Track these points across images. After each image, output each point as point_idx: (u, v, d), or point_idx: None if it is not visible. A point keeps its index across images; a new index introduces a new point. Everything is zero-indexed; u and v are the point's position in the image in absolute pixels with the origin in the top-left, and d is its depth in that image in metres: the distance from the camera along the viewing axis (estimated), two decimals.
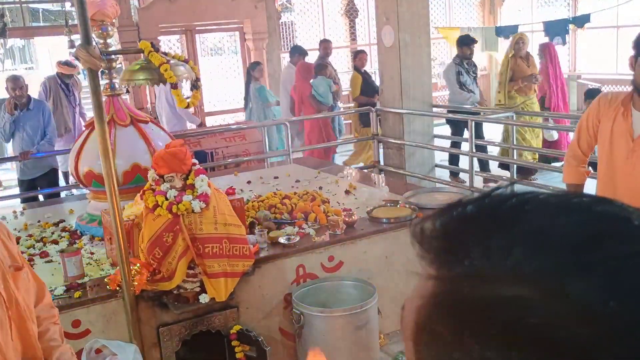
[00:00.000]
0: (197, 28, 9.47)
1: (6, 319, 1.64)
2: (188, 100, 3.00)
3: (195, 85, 3.12)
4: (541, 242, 0.43)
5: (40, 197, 5.94)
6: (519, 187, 0.51)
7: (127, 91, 3.51)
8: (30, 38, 8.31)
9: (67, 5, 8.31)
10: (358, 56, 8.44)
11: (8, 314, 1.65)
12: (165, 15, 8.63)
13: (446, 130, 7.86)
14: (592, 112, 2.98)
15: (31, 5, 13.84)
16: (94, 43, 2.77)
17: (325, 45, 8.47)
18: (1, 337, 1.63)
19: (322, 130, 7.71)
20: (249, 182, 5.22)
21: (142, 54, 3.11)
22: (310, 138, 7.73)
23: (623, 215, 0.45)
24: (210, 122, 9.82)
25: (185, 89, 4.26)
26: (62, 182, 6.76)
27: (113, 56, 3.90)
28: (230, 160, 6.46)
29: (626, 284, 0.41)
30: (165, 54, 3.15)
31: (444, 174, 7.28)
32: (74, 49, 9.51)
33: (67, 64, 7.45)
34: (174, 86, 2.98)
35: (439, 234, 0.49)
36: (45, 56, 18.19)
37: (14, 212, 4.80)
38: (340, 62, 11.66)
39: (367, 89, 7.94)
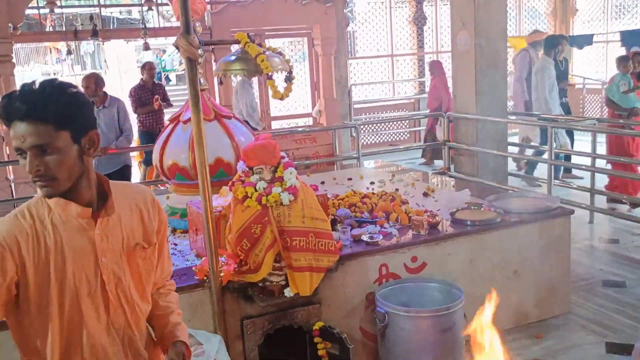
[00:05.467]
0: (266, 33, 9.57)
1: (99, 295, 1.59)
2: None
3: (289, 78, 3.11)
4: None
5: None
6: None
7: (221, 82, 3.53)
8: (108, 40, 8.71)
9: (144, 9, 8.56)
10: None
11: (105, 289, 1.59)
12: (237, 20, 8.74)
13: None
14: None
15: (103, 14, 14.38)
16: (193, 33, 2.80)
17: None
18: (94, 317, 1.59)
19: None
20: (322, 183, 5.19)
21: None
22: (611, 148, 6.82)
23: None
24: (275, 125, 9.89)
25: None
26: None
27: (200, 52, 3.94)
28: (299, 162, 6.46)
29: None
30: (260, 45, 3.16)
31: (516, 182, 7.10)
32: (147, 51, 9.74)
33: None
34: (269, 77, 2.98)
35: None
36: (114, 61, 18.85)
37: None
38: (407, 70, 11.58)
39: None
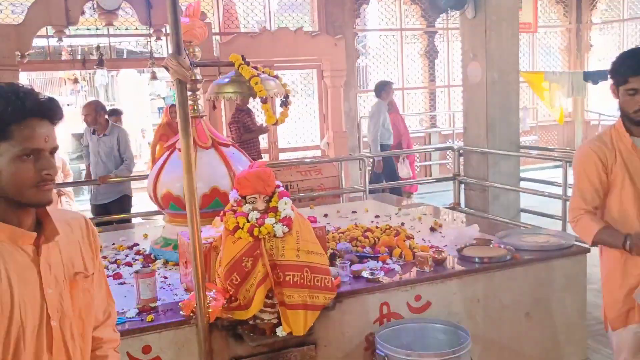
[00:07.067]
0: (275, 65, 9.49)
1: (43, 331, 1.43)
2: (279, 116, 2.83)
3: (285, 102, 2.95)
4: None
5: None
6: None
7: (214, 106, 3.39)
8: (117, 70, 8.72)
9: (152, 39, 8.54)
10: None
11: (49, 325, 1.44)
12: (246, 51, 8.56)
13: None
14: (594, 168, 2.72)
15: (117, 46, 14.48)
16: (184, 54, 2.65)
17: None
18: (34, 348, 1.42)
19: None
20: (325, 215, 5.00)
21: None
22: None
23: None
24: (283, 157, 9.77)
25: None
26: None
27: (197, 77, 3.81)
28: (304, 194, 6.28)
29: None
30: (256, 68, 3.01)
31: (529, 219, 6.85)
32: (156, 80, 9.59)
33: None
34: (264, 100, 2.82)
35: None
36: (129, 92, 18.98)
37: None
38: (417, 103, 11.46)
39: None
